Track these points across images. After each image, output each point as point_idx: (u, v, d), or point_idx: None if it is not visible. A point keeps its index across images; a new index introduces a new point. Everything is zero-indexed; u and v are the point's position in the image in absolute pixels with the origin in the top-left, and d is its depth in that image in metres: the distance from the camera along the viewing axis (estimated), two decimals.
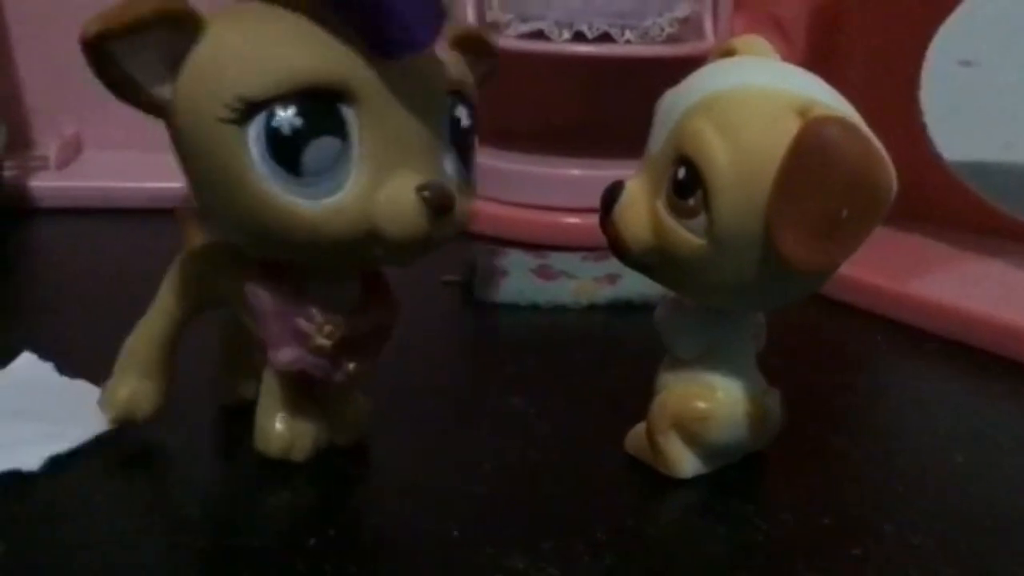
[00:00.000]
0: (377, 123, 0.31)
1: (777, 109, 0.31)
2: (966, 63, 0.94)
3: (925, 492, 0.37)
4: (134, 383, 0.37)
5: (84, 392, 0.40)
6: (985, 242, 0.62)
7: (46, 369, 0.42)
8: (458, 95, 0.33)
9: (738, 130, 0.32)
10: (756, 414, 0.36)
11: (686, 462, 0.36)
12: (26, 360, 0.42)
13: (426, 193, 0.31)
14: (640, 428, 0.37)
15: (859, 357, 0.51)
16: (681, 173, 0.33)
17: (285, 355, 0.34)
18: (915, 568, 0.32)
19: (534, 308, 0.54)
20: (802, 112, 0.31)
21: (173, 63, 0.30)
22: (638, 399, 0.37)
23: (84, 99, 0.71)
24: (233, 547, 0.31)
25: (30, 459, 0.35)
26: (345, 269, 0.35)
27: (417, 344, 0.48)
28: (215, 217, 0.33)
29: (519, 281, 0.55)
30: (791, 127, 0.31)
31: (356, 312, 0.35)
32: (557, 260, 0.58)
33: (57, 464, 0.35)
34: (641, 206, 0.34)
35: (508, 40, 0.65)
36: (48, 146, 0.72)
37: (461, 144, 0.33)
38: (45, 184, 0.69)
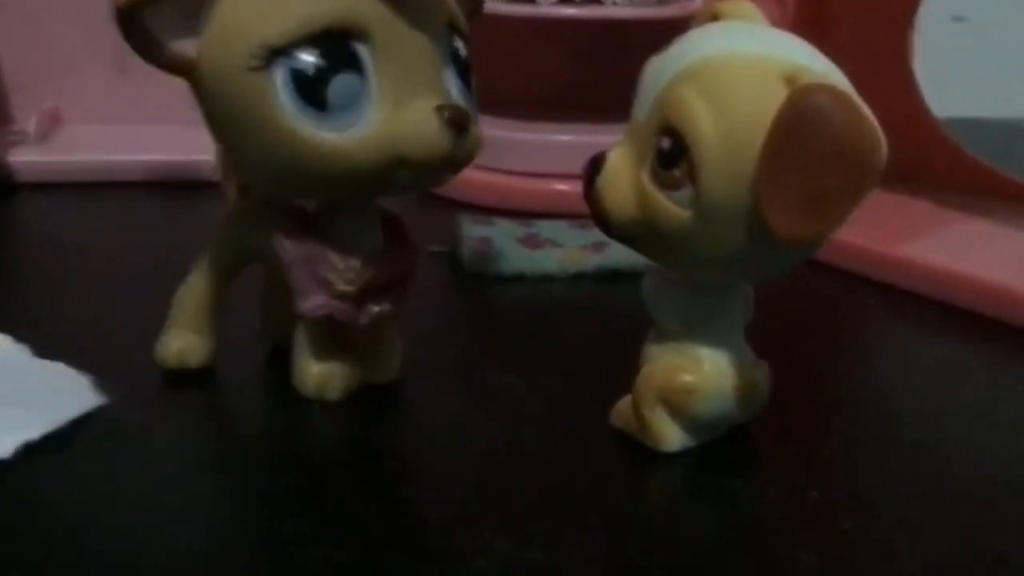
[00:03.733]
0: (389, 57, 0.34)
1: (764, 77, 0.31)
2: (959, 19, 0.93)
3: (917, 464, 0.37)
4: (186, 336, 0.40)
5: (61, 375, 0.39)
6: (979, 203, 0.62)
7: (21, 352, 0.41)
8: (454, 28, 0.36)
9: (724, 99, 0.31)
10: (743, 387, 0.36)
11: (673, 436, 0.36)
12: (0, 342, 0.41)
13: (446, 113, 0.34)
14: (626, 401, 0.37)
15: (850, 322, 0.51)
16: (666, 143, 0.32)
17: (311, 302, 0.37)
18: (907, 542, 0.32)
19: (520, 277, 0.53)
20: (790, 80, 0.31)
21: (195, 21, 0.33)
22: (625, 370, 0.37)
23: (62, 73, 0.71)
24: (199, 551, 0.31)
25: (2, 447, 0.34)
26: (371, 203, 0.38)
27: (403, 314, 0.47)
28: (248, 164, 0.36)
29: (505, 250, 0.54)
30: (779, 95, 0.30)
31: (378, 257, 0.37)
32: (544, 228, 0.57)
33: (31, 451, 0.34)
34: (625, 178, 0.34)
35: (494, 4, 0.64)
36: (27, 120, 0.72)
37: (462, 73, 0.37)
38: (24, 159, 0.68)
